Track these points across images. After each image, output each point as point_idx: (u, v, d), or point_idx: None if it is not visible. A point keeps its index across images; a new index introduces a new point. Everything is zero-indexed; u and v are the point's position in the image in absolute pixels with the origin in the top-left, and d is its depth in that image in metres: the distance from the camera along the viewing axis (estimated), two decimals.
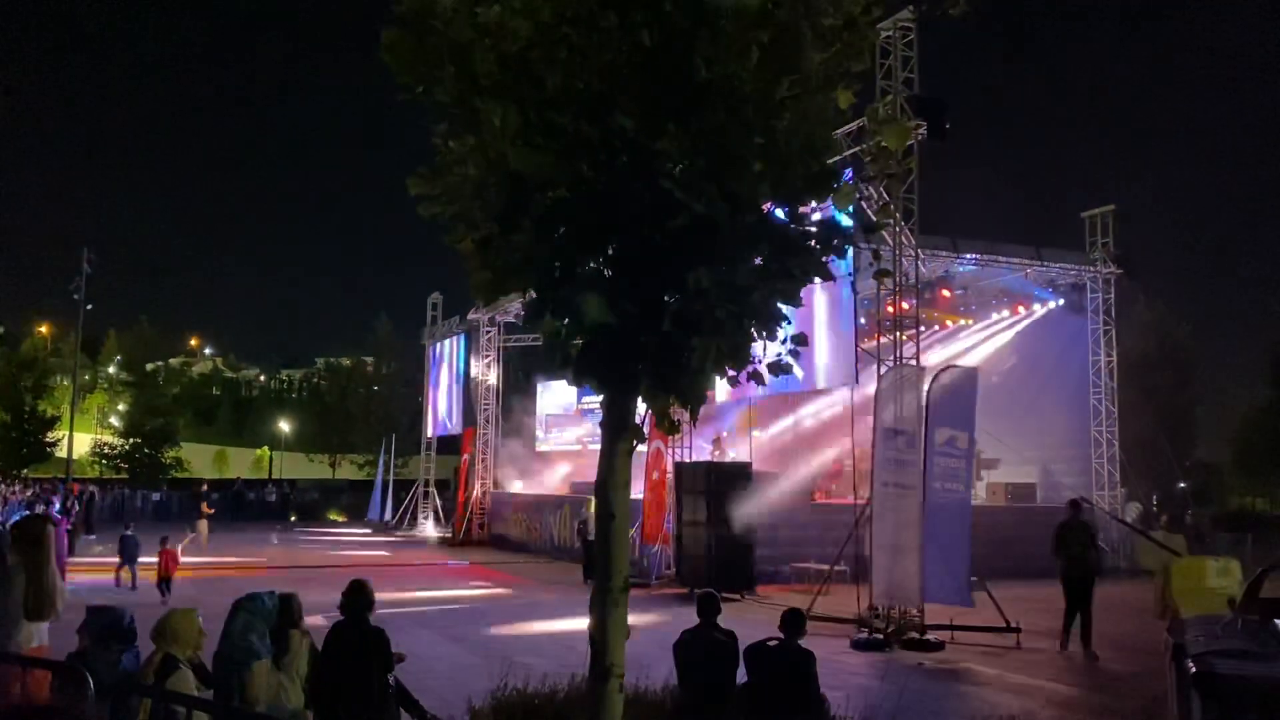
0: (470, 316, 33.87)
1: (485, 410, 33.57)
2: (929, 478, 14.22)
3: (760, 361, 5.22)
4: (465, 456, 33.97)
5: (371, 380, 63.97)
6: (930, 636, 13.65)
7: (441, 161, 5.14)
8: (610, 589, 5.17)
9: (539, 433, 35.64)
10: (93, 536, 29.13)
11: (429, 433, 37.95)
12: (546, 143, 4.66)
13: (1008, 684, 11.37)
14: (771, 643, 7.22)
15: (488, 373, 33.58)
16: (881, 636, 13.61)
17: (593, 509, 21.08)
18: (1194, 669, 7.28)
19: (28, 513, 15.15)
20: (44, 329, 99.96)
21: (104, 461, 61.38)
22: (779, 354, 5.32)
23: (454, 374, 35.53)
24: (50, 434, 56.50)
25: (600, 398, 5.42)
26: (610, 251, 5.04)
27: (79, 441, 69.08)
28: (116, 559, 19.19)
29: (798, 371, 6.30)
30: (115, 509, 38.13)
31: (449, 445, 38.02)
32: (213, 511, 29.56)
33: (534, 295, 5.07)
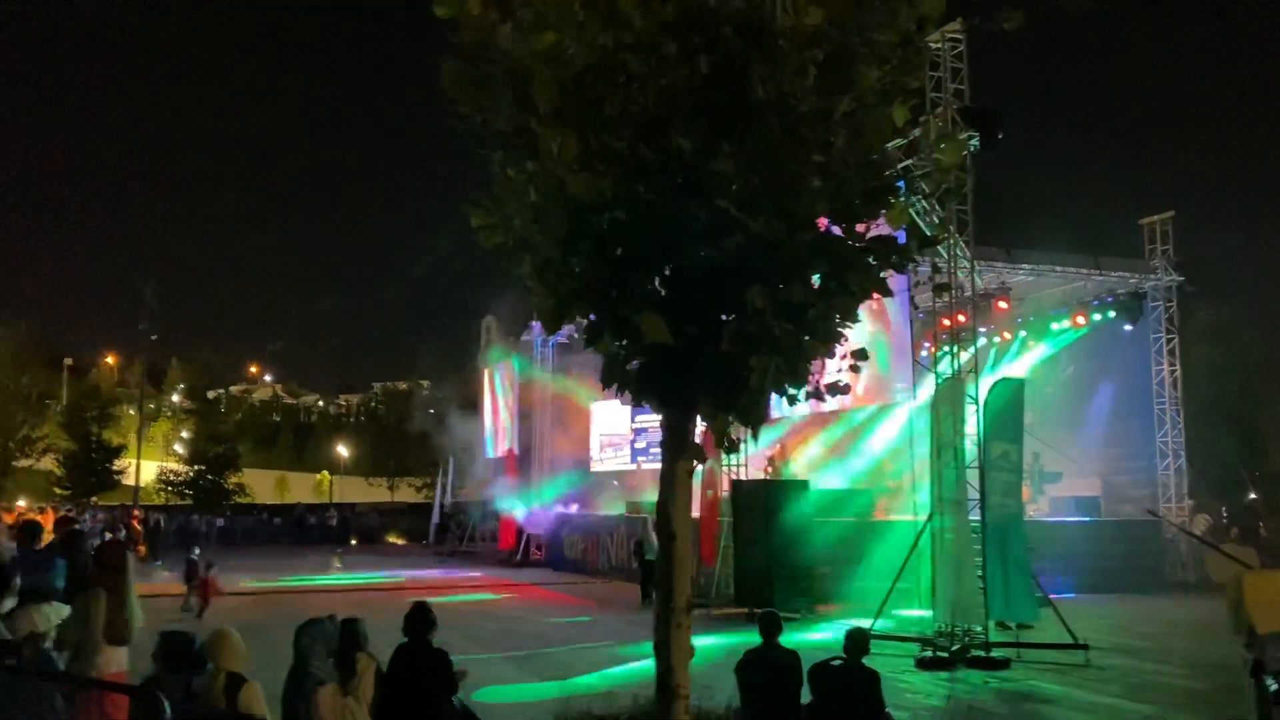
0: (523, 339, 34.12)
1: (540, 431, 33.72)
2: (987, 492, 14.02)
3: (820, 378, 5.22)
4: (521, 478, 34.12)
5: (427, 404, 64.65)
6: (995, 654, 13.41)
7: (500, 190, 5.22)
8: (673, 610, 5.18)
9: (593, 453, 35.69)
10: (158, 562, 29.70)
11: (485, 455, 38.20)
12: (604, 167, 4.72)
13: (1077, 703, 11.13)
14: (835, 662, 7.15)
15: (542, 394, 33.75)
16: (946, 655, 13.40)
17: (650, 529, 21.06)
18: (1276, 686, 7.09)
19: (104, 539, 15.49)
20: (109, 359, 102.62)
21: (169, 488, 62.54)
22: (839, 369, 5.33)
23: (508, 396, 35.71)
24: (116, 462, 57.76)
25: (657, 417, 5.44)
26: (668, 272, 5.08)
27: (145, 469, 70.69)
28: (183, 584, 19.54)
29: (857, 387, 6.27)
30: (181, 535, 38.84)
31: (505, 467, 38.24)
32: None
33: (593, 317, 5.12)
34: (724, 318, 4.86)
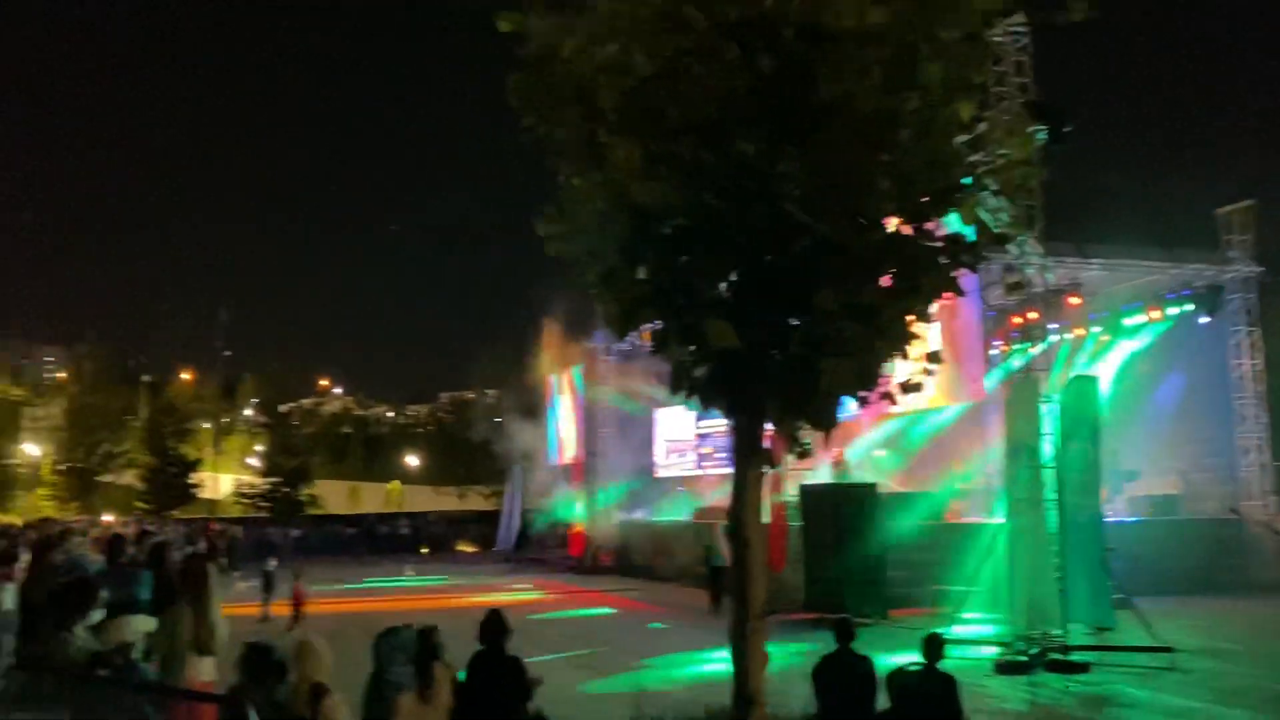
0: (586, 345, 34.27)
1: (604, 437, 33.84)
2: (1064, 492, 13.73)
3: (890, 380, 5.17)
4: (588, 484, 34.26)
5: (493, 412, 65.25)
6: (1075, 658, 13.11)
7: (565, 199, 5.26)
8: (748, 616, 5.15)
9: (657, 458, 35.69)
10: (237, 573, 30.32)
11: (551, 461, 38.42)
12: (668, 173, 4.72)
13: (1163, 707, 10.84)
14: (912, 667, 7.05)
15: (605, 400, 33.87)
16: (1025, 659, 13.14)
17: (718, 534, 21.00)
18: None
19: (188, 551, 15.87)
20: (185, 376, 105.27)
21: (246, 501, 63.87)
22: (910, 370, 5.26)
23: (571, 403, 35.87)
24: (193, 476, 59.27)
25: (722, 422, 5.43)
26: (734, 277, 5.06)
27: (222, 482, 72.41)
28: (261, 595, 19.91)
29: (929, 387, 6.19)
30: (258, 546, 39.64)
31: (570, 474, 38.41)
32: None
33: (660, 323, 5.13)
34: (792, 321, 4.82)
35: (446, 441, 72.21)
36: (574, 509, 36.64)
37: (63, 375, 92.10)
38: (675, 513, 31.25)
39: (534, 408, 40.01)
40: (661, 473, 35.15)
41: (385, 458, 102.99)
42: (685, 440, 33.68)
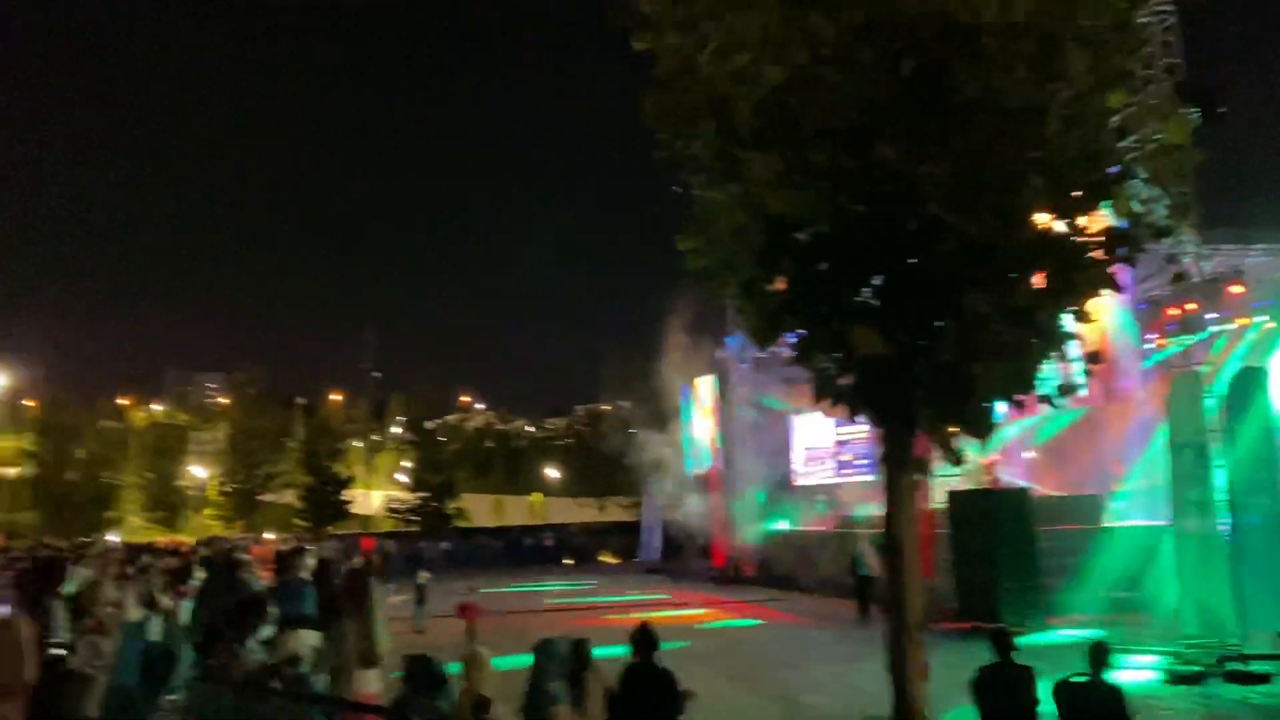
0: (718, 354, 34.19)
1: (740, 446, 33.66)
2: (1233, 492, 12.98)
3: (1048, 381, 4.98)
4: (726, 494, 34.13)
5: (628, 423, 65.77)
6: (1255, 668, 12.34)
7: (702, 213, 5.27)
8: (905, 627, 5.04)
9: (797, 466, 35.28)
10: (391, 586, 31.33)
11: (688, 472, 38.44)
12: (806, 182, 4.68)
13: None
14: (1078, 679, 6.78)
15: (740, 409, 33.70)
16: (1198, 669, 12.44)
17: (863, 543, 20.62)
18: None
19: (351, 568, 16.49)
20: (336, 397, 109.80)
21: (396, 516, 65.99)
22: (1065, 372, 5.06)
23: (706, 413, 35.83)
24: (345, 493, 61.68)
25: (862, 429, 5.35)
26: (878, 283, 4.98)
27: (374, 498, 75.15)
28: (415, 608, 20.51)
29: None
30: (410, 560, 40.98)
31: (707, 484, 38.33)
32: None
33: (802, 333, 5.08)
34: (941, 326, 4.71)
35: (584, 454, 73.21)
36: (712, 520, 36.56)
37: (224, 401, 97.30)
38: (816, 522, 30.85)
39: (668, 418, 40.12)
40: (800, 481, 34.74)
41: (526, 471, 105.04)
42: (824, 447, 33.21)
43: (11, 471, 67.33)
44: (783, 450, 35.02)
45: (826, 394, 4.95)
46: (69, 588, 10.30)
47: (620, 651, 7.14)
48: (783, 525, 32.14)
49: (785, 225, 4.84)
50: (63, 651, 6.40)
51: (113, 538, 52.34)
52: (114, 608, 9.89)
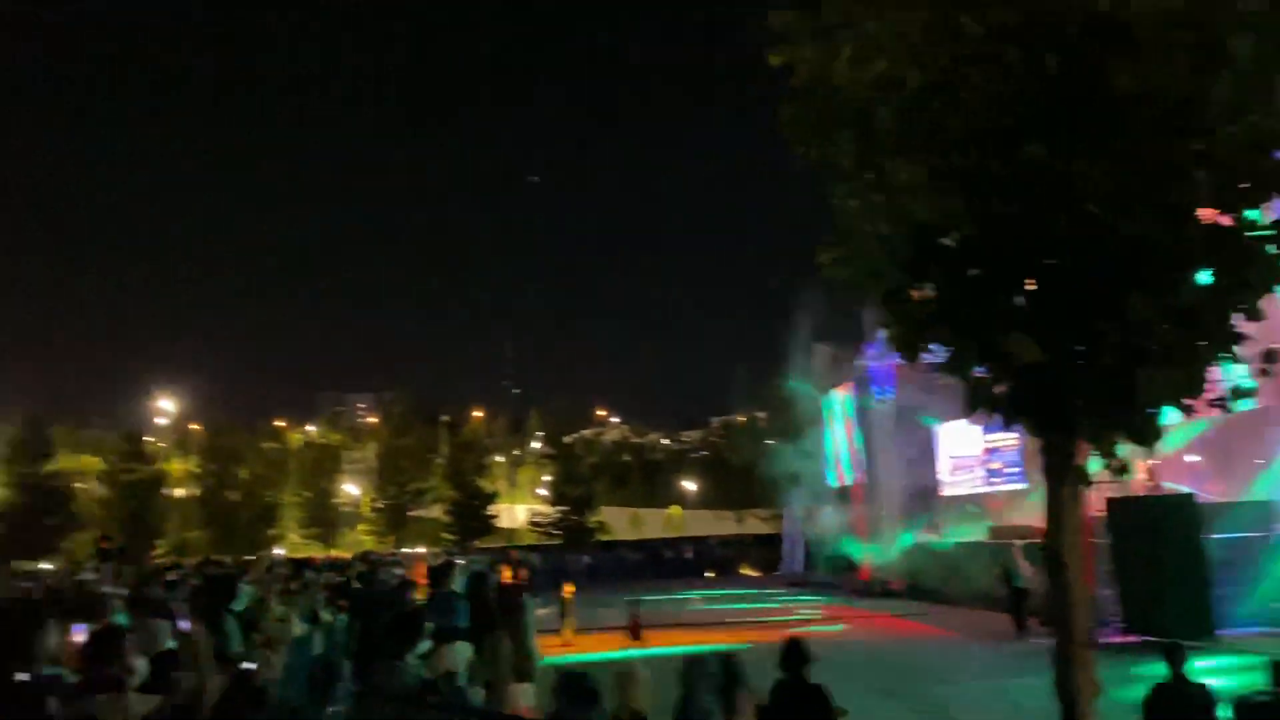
0: (857, 363, 33.66)
1: (883, 456, 33.02)
2: None
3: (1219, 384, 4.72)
4: (869, 506, 33.53)
5: (764, 435, 65.31)
6: None
7: (843, 224, 5.20)
8: (1072, 644, 4.84)
9: (942, 476, 34.37)
10: (537, 599, 31.89)
11: (828, 483, 37.93)
12: (952, 187, 4.57)
13: None
14: (1261, 697, 6.39)
15: (881, 419, 33.08)
16: None
17: (1016, 554, 19.92)
18: None
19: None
20: (478, 414, 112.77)
21: (538, 529, 67.23)
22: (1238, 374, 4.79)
23: (847, 422, 35.30)
24: (491, 507, 63.25)
25: (1011, 436, 5.16)
26: (1031, 288, 4.81)
27: (517, 512, 76.80)
28: (560, 621, 20.80)
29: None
30: (553, 574, 41.66)
31: (849, 495, 37.74)
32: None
33: (953, 342, 4.95)
34: (1101, 330, 4.51)
35: (721, 466, 73.07)
36: (855, 532, 35.97)
37: (373, 420, 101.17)
38: (966, 532, 29.98)
39: (805, 429, 39.69)
40: (947, 491, 33.84)
41: (663, 484, 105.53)
42: (972, 456, 32.28)
43: (181, 492, 71.43)
44: (927, 459, 34.20)
45: (980, 404, 4.80)
46: (238, 604, 10.85)
47: (769, 667, 7.08)
48: (930, 536, 31.36)
49: (931, 232, 4.73)
50: (252, 665, 6.74)
51: (279, 551, 55.03)
52: (280, 622, 10.37)
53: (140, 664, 6.34)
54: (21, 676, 5.69)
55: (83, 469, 71.00)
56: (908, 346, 5.08)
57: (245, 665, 6.93)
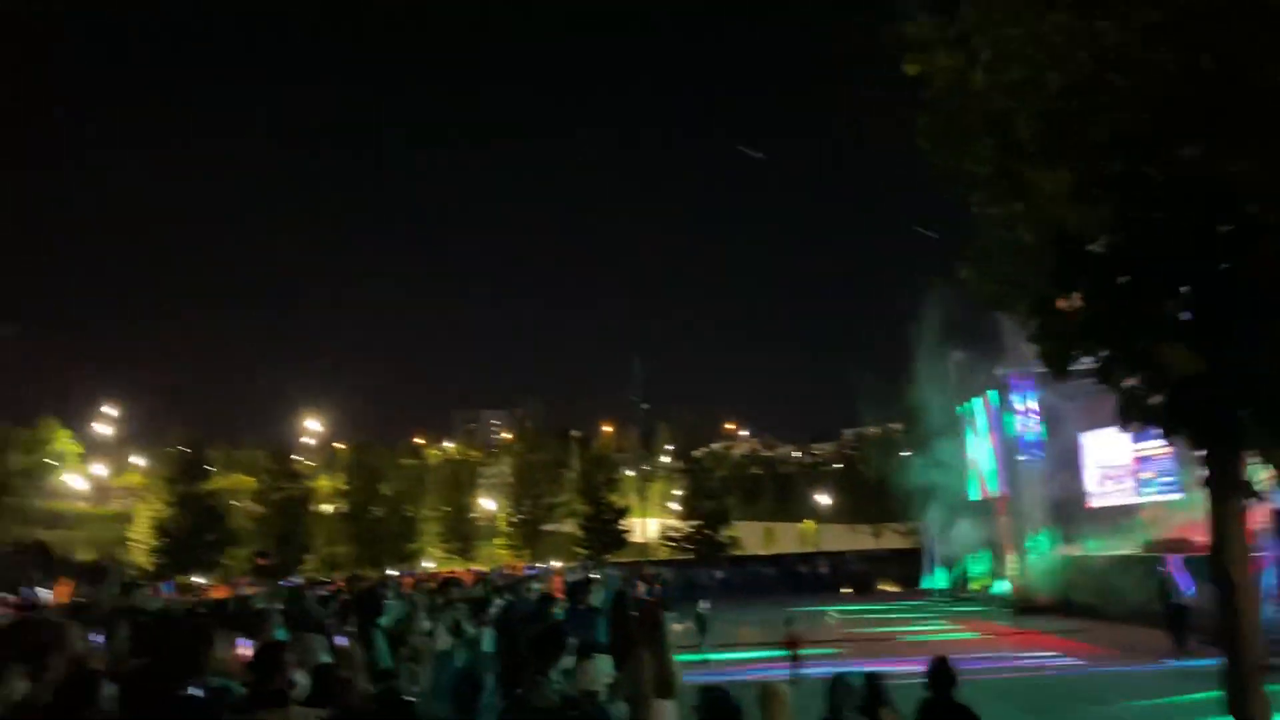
0: (996, 372, 32.65)
1: (1025, 467, 31.91)
2: None
3: None
4: (1013, 519, 32.44)
5: (901, 445, 63.95)
6: None
7: (982, 233, 5.09)
8: (1243, 668, 4.59)
9: (1090, 487, 32.99)
10: (672, 614, 31.94)
11: (968, 495, 36.88)
12: (1102, 194, 4.42)
13: None
14: None
15: (1024, 428, 31.98)
16: None
17: (1175, 568, 18.97)
18: None
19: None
20: (608, 428, 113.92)
21: (670, 544, 67.36)
22: None
23: (988, 433, 34.28)
24: (623, 522, 63.70)
25: (1163, 445, 4.94)
26: (1188, 294, 4.61)
27: (650, 526, 77.17)
28: (698, 637, 20.75)
29: None
30: (686, 588, 41.67)
31: (992, 507, 36.60)
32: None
33: (1105, 353, 4.77)
34: (1266, 336, 4.28)
35: (855, 479, 71.87)
36: (998, 546, 34.87)
37: (507, 436, 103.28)
38: (1117, 545, 28.70)
39: (943, 440, 38.71)
40: (1095, 502, 32.45)
41: (795, 497, 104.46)
42: (1121, 465, 30.92)
43: (328, 508, 74.32)
44: (1073, 469, 32.91)
45: (1135, 417, 4.61)
46: (386, 618, 11.23)
47: (915, 686, 6.94)
48: (1078, 550, 30.13)
49: (1078, 240, 4.58)
50: (416, 691, 6.97)
51: (429, 564, 56.68)
52: (426, 637, 10.68)
53: (300, 678, 6.60)
54: (195, 689, 5.99)
55: (237, 488, 74.71)
56: (1056, 359, 4.93)
57: (412, 691, 7.17)
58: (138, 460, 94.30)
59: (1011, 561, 32.31)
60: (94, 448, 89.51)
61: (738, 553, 64.82)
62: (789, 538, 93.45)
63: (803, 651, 16.90)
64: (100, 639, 8.49)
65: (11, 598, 25.62)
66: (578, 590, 10.54)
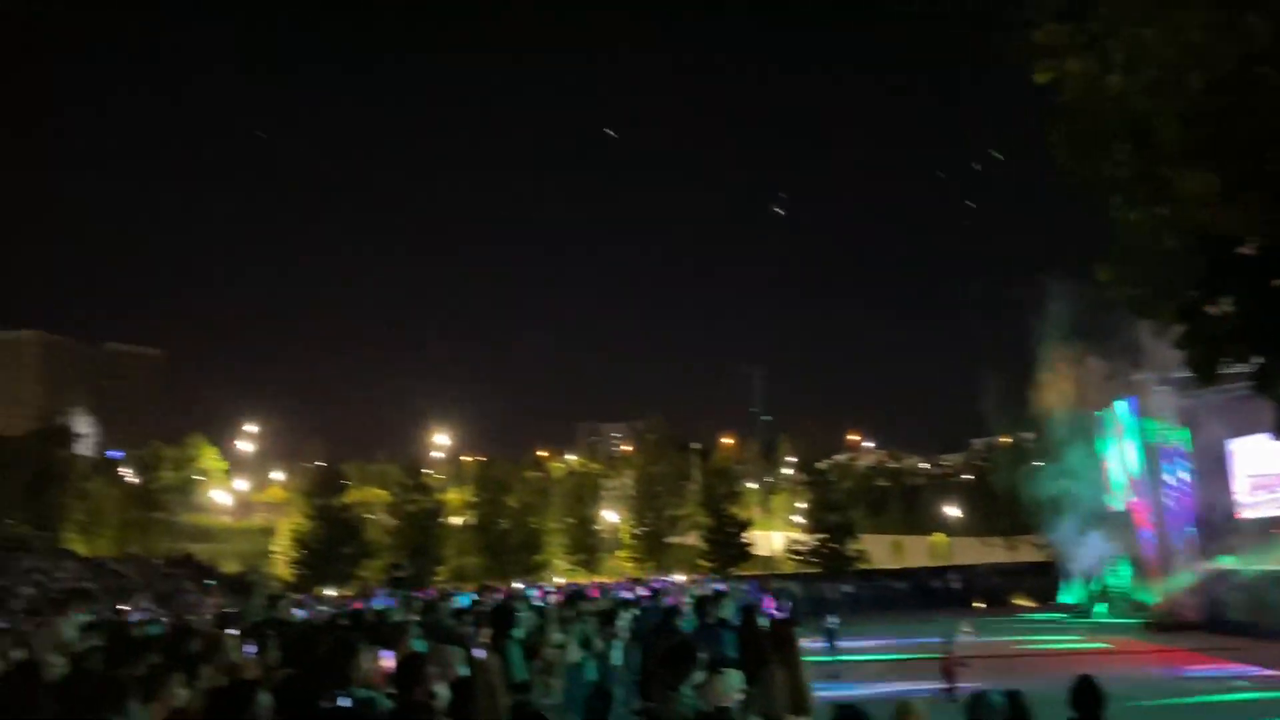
0: (1136, 376, 31.35)
1: (1169, 476, 30.51)
2: None
3: None
4: (1157, 531, 31.05)
5: (1034, 455, 61.81)
6: None
7: (1126, 239, 4.93)
8: None
9: (1238, 497, 31.33)
10: (799, 628, 31.54)
11: (1106, 506, 35.46)
12: (1254, 196, 4.23)
13: None
14: None
15: (1164, 436, 30.61)
16: None
17: None
18: None
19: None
20: (728, 440, 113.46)
21: (796, 557, 66.53)
22: None
23: (1127, 441, 32.92)
24: (746, 535, 63.29)
25: None
26: None
27: (775, 539, 76.50)
28: (828, 652, 20.44)
29: None
30: (813, 603, 41.12)
31: (1132, 520, 35.10)
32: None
33: (1260, 360, 4.56)
34: None
35: (985, 490, 69.71)
36: (1139, 559, 33.42)
37: (628, 449, 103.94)
38: (1270, 559, 27.18)
39: (1078, 449, 37.31)
40: (1247, 513, 30.82)
41: (924, 509, 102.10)
42: (1273, 473, 29.33)
43: (457, 521, 75.92)
44: (1219, 478, 31.34)
45: None
46: (520, 630, 11.42)
47: (1059, 705, 6.70)
48: (1229, 564, 28.63)
49: (1227, 243, 4.39)
50: (549, 704, 7.10)
51: (559, 580, 57.43)
52: (558, 649, 10.83)
53: (441, 690, 6.80)
54: (343, 699, 6.24)
55: (371, 501, 77.10)
56: (1205, 365, 4.73)
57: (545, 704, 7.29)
58: (278, 476, 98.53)
59: (1154, 575, 30.89)
60: (237, 464, 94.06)
61: (865, 566, 63.59)
62: (917, 551, 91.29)
63: (957, 670, 16.22)
64: (252, 649, 8.92)
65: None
66: (705, 604, 10.52)
